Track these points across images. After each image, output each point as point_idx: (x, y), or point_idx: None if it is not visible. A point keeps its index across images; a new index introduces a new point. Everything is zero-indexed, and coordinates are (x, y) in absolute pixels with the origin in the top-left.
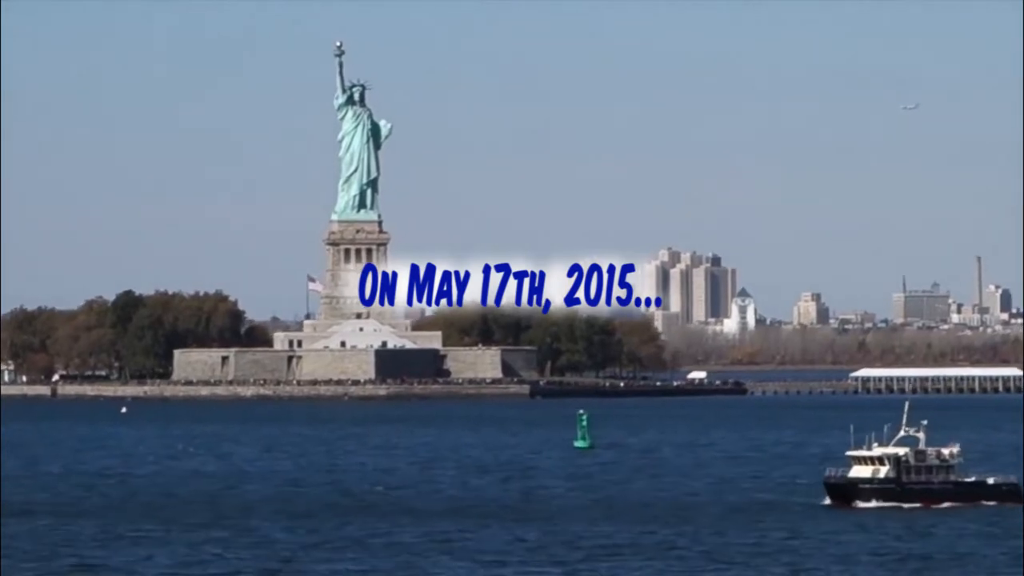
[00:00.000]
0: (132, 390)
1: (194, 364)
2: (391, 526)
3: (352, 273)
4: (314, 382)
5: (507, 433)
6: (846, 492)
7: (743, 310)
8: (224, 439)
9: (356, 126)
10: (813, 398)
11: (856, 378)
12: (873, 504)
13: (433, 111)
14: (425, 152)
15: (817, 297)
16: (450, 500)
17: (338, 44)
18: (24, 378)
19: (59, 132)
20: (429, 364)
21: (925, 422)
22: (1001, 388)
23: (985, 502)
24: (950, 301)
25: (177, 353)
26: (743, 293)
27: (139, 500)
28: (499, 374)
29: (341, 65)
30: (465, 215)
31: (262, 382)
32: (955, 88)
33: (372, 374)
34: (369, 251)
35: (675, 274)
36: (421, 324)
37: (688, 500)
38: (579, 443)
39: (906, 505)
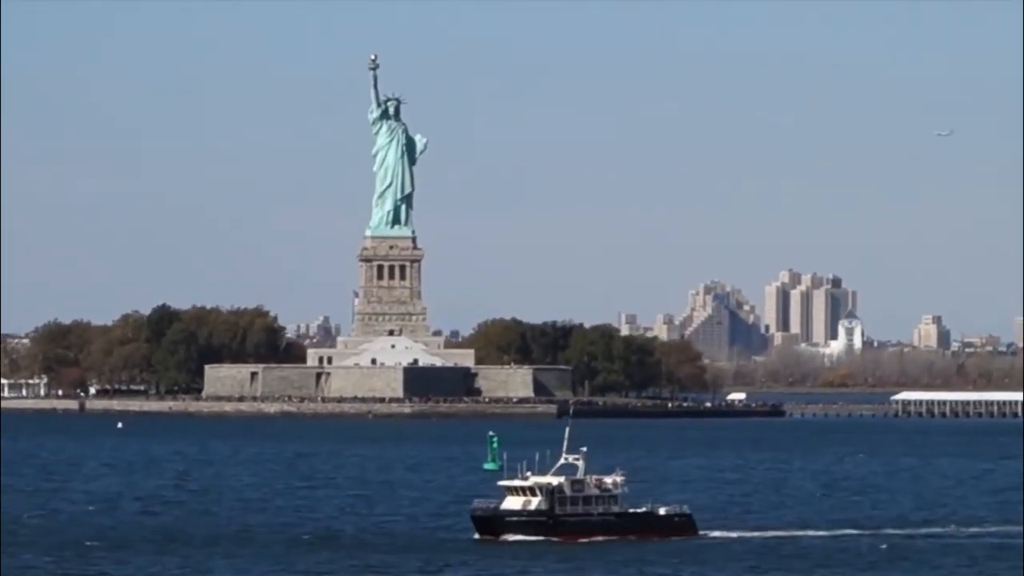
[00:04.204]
0: (158, 405)
1: (224, 380)
2: None
3: (385, 289)
4: (340, 399)
5: (442, 453)
6: (493, 525)
7: (850, 332)
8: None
9: (390, 141)
10: (851, 420)
11: (897, 401)
12: (520, 538)
13: (472, 126)
14: (461, 168)
15: (938, 320)
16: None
17: (373, 58)
18: (60, 392)
19: (96, 146)
20: (459, 382)
21: (585, 449)
22: None
23: (654, 535)
24: None
25: (207, 368)
26: (850, 315)
27: None
28: (530, 393)
29: (376, 79)
30: (506, 234)
31: (287, 399)
32: None
33: (400, 392)
34: (403, 268)
35: (795, 295)
36: (457, 341)
37: (375, 527)
38: (488, 465)
39: (556, 539)
